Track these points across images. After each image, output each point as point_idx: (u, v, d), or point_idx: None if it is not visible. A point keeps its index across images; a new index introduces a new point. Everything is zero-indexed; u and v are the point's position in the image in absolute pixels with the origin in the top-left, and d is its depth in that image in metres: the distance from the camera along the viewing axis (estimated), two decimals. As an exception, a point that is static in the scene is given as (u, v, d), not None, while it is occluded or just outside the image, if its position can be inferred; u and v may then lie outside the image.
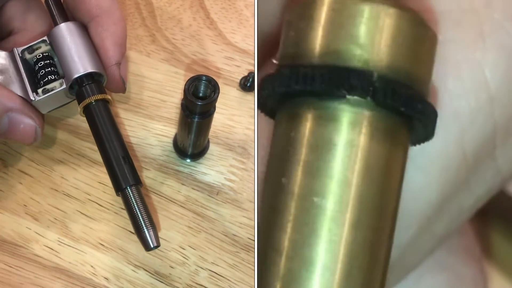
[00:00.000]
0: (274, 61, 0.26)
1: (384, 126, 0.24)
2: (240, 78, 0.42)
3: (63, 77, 0.33)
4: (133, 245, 0.36)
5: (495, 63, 0.27)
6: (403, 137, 0.25)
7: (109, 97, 0.33)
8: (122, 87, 0.35)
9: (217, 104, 0.35)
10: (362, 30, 0.24)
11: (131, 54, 0.43)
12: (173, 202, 0.37)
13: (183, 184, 0.38)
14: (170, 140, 0.39)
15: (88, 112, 0.33)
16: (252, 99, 0.41)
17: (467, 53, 0.27)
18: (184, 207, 0.37)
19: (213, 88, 0.33)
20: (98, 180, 0.38)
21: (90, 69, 0.33)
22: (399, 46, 0.24)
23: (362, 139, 0.24)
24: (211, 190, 0.38)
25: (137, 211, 0.31)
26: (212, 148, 0.39)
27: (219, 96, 0.33)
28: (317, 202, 0.23)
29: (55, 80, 0.33)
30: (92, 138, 0.39)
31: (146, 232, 0.31)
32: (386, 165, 0.24)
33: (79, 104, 0.33)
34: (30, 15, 0.36)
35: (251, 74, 0.41)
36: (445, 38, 0.27)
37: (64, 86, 0.33)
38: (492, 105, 0.28)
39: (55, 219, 0.36)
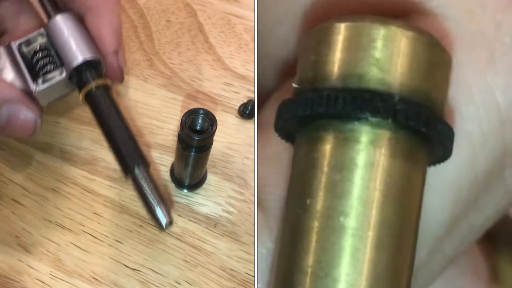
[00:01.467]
0: (294, 85, 0.27)
1: (405, 146, 0.25)
2: (239, 105, 0.41)
3: (61, 67, 0.33)
4: (128, 280, 0.35)
5: (506, 86, 0.28)
6: (422, 158, 0.26)
7: (109, 82, 0.33)
8: (120, 75, 0.35)
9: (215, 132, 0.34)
10: (382, 52, 0.24)
11: (128, 79, 0.42)
12: (169, 234, 0.36)
13: (179, 216, 0.37)
14: (167, 169, 0.39)
15: (89, 98, 0.33)
16: (251, 126, 0.41)
17: (478, 76, 0.28)
18: (180, 240, 0.36)
19: (211, 122, 0.32)
20: (93, 210, 0.37)
21: (88, 56, 0.33)
22: (417, 68, 0.25)
23: (383, 160, 0.24)
24: (209, 222, 0.37)
25: (146, 189, 0.30)
26: (210, 177, 0.38)
27: (217, 123, 0.33)
28: (341, 221, 0.24)
29: (54, 70, 0.33)
30: (87, 166, 0.38)
31: (158, 209, 0.29)
32: (407, 184, 0.25)
33: (79, 92, 0.33)
34: (23, 16, 0.36)
35: (250, 101, 0.41)
36: (456, 61, 0.27)
37: (64, 75, 0.33)
38: (503, 128, 0.28)
39: (48, 251, 0.35)
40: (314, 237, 0.24)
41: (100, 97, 0.33)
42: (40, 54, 0.34)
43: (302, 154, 0.26)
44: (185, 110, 0.33)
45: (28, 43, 0.34)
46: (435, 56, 0.25)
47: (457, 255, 0.32)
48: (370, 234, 0.24)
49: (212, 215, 0.37)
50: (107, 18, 0.34)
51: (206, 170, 0.38)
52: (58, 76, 0.33)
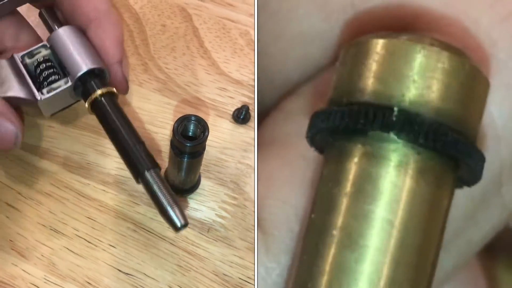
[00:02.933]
0: (328, 98, 0.27)
1: (431, 168, 0.24)
2: (233, 110, 0.41)
3: (66, 77, 0.34)
4: (121, 284, 0.35)
5: (501, 102, 0.28)
6: (449, 180, 0.25)
7: (115, 90, 0.34)
8: (125, 86, 0.36)
9: (209, 137, 0.34)
10: (415, 72, 0.24)
11: (123, 84, 0.42)
12: (163, 239, 0.36)
13: (173, 220, 0.37)
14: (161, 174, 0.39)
15: (96, 107, 0.33)
16: (245, 131, 0.41)
17: None
18: (174, 245, 0.36)
19: (203, 128, 0.32)
20: (87, 215, 0.37)
21: (92, 65, 0.33)
22: (450, 90, 0.24)
23: (408, 181, 0.24)
24: (202, 227, 0.37)
25: (159, 193, 0.30)
26: (204, 182, 0.39)
27: (211, 128, 0.33)
28: (360, 241, 0.24)
29: (59, 79, 0.34)
30: (81, 170, 0.39)
31: (171, 211, 0.30)
32: (430, 207, 0.25)
33: (85, 101, 0.33)
34: (23, 34, 0.37)
35: (244, 106, 0.41)
36: None
37: (69, 83, 0.33)
38: (499, 143, 0.28)
39: (42, 255, 0.36)
40: (330, 256, 0.24)
41: (106, 105, 0.33)
42: (44, 65, 0.34)
43: (329, 167, 0.26)
44: (180, 115, 0.33)
45: (31, 55, 0.34)
46: (469, 78, 0.25)
47: (456, 270, 0.32)
48: (389, 256, 0.24)
49: (205, 220, 0.37)
50: (109, 29, 0.35)
51: (199, 175, 0.38)
52: (63, 85, 0.33)
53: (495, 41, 0.28)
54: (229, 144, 0.40)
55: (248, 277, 0.36)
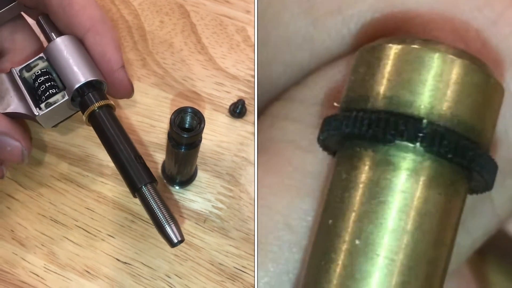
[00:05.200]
0: (335, 104, 0.27)
1: (443, 176, 0.24)
2: (229, 104, 0.42)
3: (64, 90, 0.34)
4: (119, 273, 0.36)
5: None
6: (462, 187, 0.25)
7: (112, 103, 0.34)
8: (130, 90, 0.36)
9: (205, 130, 0.35)
10: (429, 80, 0.24)
11: (122, 78, 0.43)
12: (160, 229, 0.37)
13: (170, 211, 0.38)
14: (159, 166, 0.40)
15: (93, 119, 0.33)
16: (241, 125, 0.42)
17: None
18: (171, 235, 0.37)
19: (199, 120, 0.33)
20: (86, 205, 0.38)
21: (90, 77, 0.33)
22: (464, 98, 0.24)
23: (420, 189, 0.24)
24: (199, 218, 0.38)
25: (156, 208, 0.30)
26: (200, 175, 0.39)
27: (208, 122, 0.33)
28: (370, 248, 0.24)
29: (56, 93, 0.33)
30: (80, 163, 0.39)
31: (168, 227, 0.30)
32: (441, 216, 0.24)
33: (83, 113, 0.33)
34: (18, 35, 0.37)
35: (240, 101, 0.42)
36: None
37: (66, 97, 0.33)
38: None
39: (42, 245, 0.36)
40: (338, 261, 0.24)
41: (104, 117, 0.33)
42: (42, 79, 0.34)
43: (339, 172, 0.26)
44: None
45: (29, 68, 0.34)
46: (484, 86, 0.24)
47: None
48: (398, 264, 0.24)
49: (202, 211, 0.38)
50: (108, 35, 0.34)
51: (196, 167, 0.39)
52: (60, 99, 0.33)
53: (484, 44, 0.28)
54: (225, 138, 0.41)
55: (243, 267, 0.37)
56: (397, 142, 0.24)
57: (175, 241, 0.30)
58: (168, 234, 0.30)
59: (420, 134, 0.23)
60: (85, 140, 0.40)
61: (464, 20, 0.28)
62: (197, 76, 0.43)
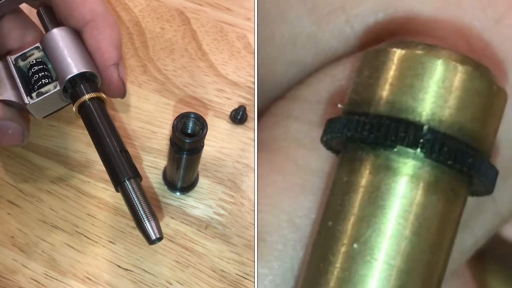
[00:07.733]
0: (340, 105, 0.27)
1: (443, 182, 0.24)
2: (230, 110, 0.42)
3: (57, 80, 0.33)
4: (121, 280, 0.36)
5: None
6: (461, 193, 0.25)
7: (104, 96, 0.33)
8: (122, 89, 0.35)
9: (207, 137, 0.35)
10: (431, 86, 0.24)
11: (123, 85, 0.43)
12: (162, 236, 0.37)
13: (172, 218, 0.38)
14: (160, 172, 0.39)
15: (83, 111, 0.33)
16: (242, 131, 0.42)
17: None
18: (172, 241, 0.37)
19: (202, 125, 0.33)
20: (87, 212, 0.38)
21: (83, 69, 0.33)
22: (466, 105, 0.24)
23: (419, 194, 0.24)
24: (200, 224, 0.38)
25: (137, 203, 0.30)
26: (202, 181, 0.39)
27: (209, 128, 0.33)
28: (369, 252, 0.24)
29: (49, 83, 0.33)
30: (81, 168, 0.39)
31: (147, 223, 0.29)
32: (440, 221, 0.24)
33: (73, 105, 0.33)
34: (28, 35, 0.36)
35: (241, 107, 0.42)
36: None
37: (58, 88, 0.33)
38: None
39: (42, 251, 0.36)
40: (337, 264, 0.24)
41: (93, 110, 0.32)
42: (36, 68, 0.34)
43: (340, 175, 0.26)
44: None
45: (24, 57, 0.34)
46: (491, 94, 0.24)
47: (447, 275, 0.32)
48: (396, 268, 0.24)
49: (203, 217, 0.38)
50: (105, 31, 0.34)
51: (198, 174, 0.39)
52: (52, 89, 0.33)
53: (487, 44, 0.28)
54: (227, 144, 0.41)
55: (245, 273, 0.36)
56: (398, 147, 0.24)
57: (153, 237, 0.29)
58: (147, 230, 0.29)
59: (421, 141, 0.23)
60: (86, 146, 0.40)
61: (467, 20, 0.28)
62: (198, 82, 0.44)
